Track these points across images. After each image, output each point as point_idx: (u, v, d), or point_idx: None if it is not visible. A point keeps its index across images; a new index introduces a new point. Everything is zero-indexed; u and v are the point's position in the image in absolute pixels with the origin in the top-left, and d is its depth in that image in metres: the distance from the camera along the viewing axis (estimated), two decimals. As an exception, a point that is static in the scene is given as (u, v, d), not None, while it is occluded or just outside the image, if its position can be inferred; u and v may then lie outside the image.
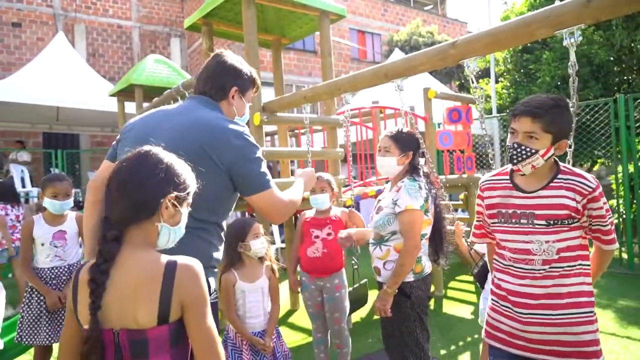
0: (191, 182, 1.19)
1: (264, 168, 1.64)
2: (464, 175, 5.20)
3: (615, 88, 8.81)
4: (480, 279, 2.64)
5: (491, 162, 2.37)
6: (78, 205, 8.24)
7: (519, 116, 1.53)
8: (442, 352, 3.40)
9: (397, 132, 2.26)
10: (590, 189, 1.48)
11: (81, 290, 1.10)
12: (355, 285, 2.77)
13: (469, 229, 2.19)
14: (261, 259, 2.40)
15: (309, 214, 3.02)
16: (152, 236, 1.14)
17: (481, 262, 2.64)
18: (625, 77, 9.08)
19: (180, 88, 4.04)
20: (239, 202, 1.77)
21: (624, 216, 5.72)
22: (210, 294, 1.37)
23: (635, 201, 5.73)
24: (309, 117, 3.07)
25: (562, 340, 1.49)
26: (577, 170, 1.56)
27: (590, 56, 8.52)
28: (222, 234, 1.67)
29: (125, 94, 6.18)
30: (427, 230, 2.20)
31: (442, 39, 15.61)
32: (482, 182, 1.76)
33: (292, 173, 7.15)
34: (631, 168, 5.73)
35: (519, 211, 1.58)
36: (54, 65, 9.02)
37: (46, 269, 2.74)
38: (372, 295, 2.77)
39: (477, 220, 1.82)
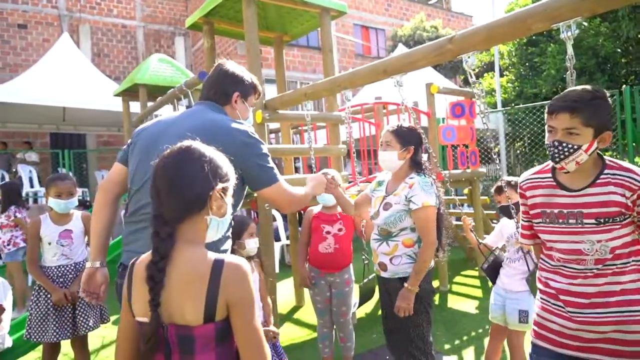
0: (231, 172, 1.21)
1: (271, 163, 1.77)
2: (468, 170, 5.19)
3: (623, 80, 8.72)
4: (491, 274, 2.64)
5: (495, 156, 2.38)
6: (85, 205, 8.33)
7: (556, 112, 1.45)
8: (447, 346, 3.41)
9: (398, 126, 2.27)
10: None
11: (136, 284, 1.12)
12: (364, 280, 2.80)
13: (474, 223, 2.19)
14: (249, 258, 2.43)
15: (316, 209, 3.05)
16: (202, 230, 1.15)
17: (492, 256, 2.64)
18: (632, 69, 8.99)
19: (183, 87, 4.07)
20: (244, 199, 1.82)
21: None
22: None
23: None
24: (310, 114, 3.08)
25: (616, 338, 1.44)
26: (624, 164, 1.48)
27: (596, 48, 8.44)
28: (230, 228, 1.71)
29: (129, 93, 6.23)
30: None
31: (446, 33, 15.51)
32: (522, 181, 1.68)
33: (296, 170, 7.16)
34: (638, 160, 5.68)
35: (565, 211, 1.50)
36: (60, 66, 9.09)
37: (53, 268, 2.78)
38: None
39: (524, 220, 1.72)
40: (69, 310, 2.72)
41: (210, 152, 1.19)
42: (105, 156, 12.08)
